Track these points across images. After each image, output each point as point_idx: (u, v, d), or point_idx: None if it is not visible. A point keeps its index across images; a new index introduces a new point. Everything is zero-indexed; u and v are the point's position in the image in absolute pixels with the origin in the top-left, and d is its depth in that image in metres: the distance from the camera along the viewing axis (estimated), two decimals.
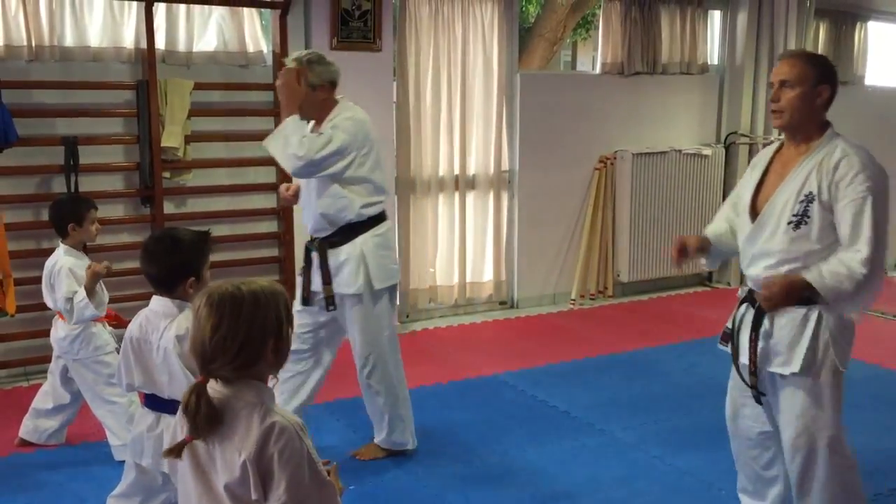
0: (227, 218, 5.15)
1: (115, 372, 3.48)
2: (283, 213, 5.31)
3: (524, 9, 10.76)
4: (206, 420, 1.64)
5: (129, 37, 4.83)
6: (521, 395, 4.53)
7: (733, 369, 2.87)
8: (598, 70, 6.63)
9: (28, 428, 3.77)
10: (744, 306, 2.80)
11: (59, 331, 3.59)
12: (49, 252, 3.71)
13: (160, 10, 4.87)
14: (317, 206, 3.45)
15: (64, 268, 3.50)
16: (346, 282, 3.46)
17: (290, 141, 3.27)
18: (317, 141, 3.28)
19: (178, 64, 4.96)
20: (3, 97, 4.32)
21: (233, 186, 5.19)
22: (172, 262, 2.55)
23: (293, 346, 3.33)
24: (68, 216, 3.58)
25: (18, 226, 4.55)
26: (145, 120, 4.78)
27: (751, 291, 2.78)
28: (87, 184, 4.66)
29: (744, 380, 2.79)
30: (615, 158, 6.50)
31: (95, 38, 4.78)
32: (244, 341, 1.65)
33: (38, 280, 3.77)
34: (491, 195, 6.15)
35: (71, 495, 3.36)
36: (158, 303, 2.57)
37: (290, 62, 3.40)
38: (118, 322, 3.70)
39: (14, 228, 4.48)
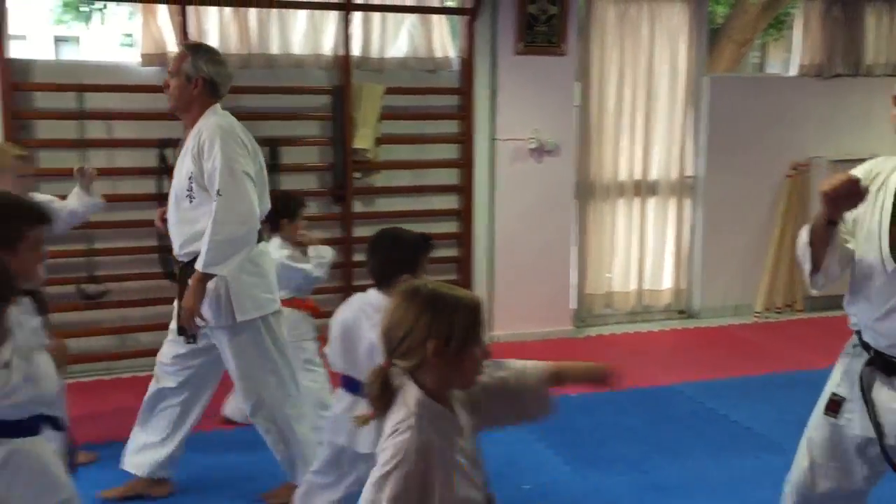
0: (410, 217, 5.29)
1: (312, 357, 3.73)
2: (464, 214, 5.43)
3: (712, 9, 10.39)
4: (382, 401, 1.73)
5: (327, 44, 5.11)
6: (700, 407, 4.40)
7: (815, 430, 2.50)
8: (794, 72, 6.30)
9: (231, 407, 4.05)
10: (867, 370, 2.36)
11: None
12: None
13: (356, 18, 5.12)
14: (180, 225, 3.14)
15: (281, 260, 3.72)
16: (206, 312, 3.06)
17: (227, 235, 2.98)
18: (232, 195, 2.97)
19: (371, 69, 5.20)
20: None
21: (417, 187, 5.37)
22: (389, 257, 2.70)
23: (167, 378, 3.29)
24: (282, 211, 3.77)
25: None
26: (339, 123, 5.05)
27: (880, 355, 2.32)
28: (287, 183, 4.97)
29: (890, 461, 2.31)
30: (809, 166, 6.15)
31: (298, 45, 5.09)
32: (407, 332, 1.69)
33: None
34: (672, 201, 6.01)
35: (265, 474, 3.50)
36: (375, 295, 2.70)
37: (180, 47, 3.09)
38: (315, 313, 3.92)
39: None
